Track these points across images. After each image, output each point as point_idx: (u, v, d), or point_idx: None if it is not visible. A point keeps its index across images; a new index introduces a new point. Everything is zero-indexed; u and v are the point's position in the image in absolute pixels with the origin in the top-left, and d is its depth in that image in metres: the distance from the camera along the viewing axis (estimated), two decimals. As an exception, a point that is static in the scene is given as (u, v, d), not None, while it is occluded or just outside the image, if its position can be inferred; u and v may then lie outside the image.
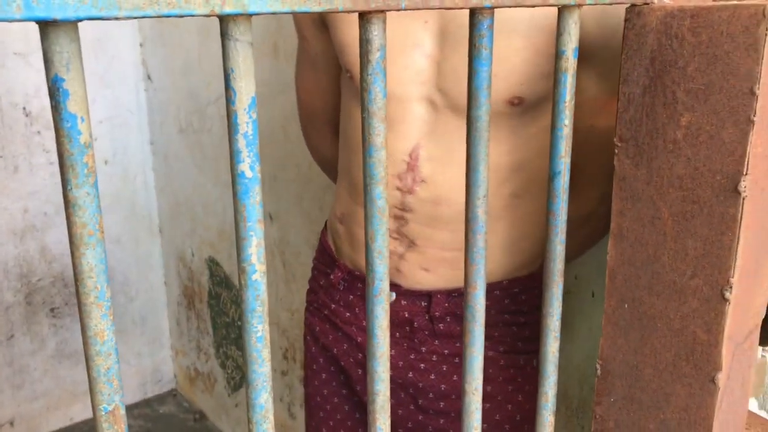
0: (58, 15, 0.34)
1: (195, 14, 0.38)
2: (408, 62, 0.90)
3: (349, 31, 0.92)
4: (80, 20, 0.35)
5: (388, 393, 0.55)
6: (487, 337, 0.95)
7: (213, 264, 2.31)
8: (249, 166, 0.44)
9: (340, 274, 0.99)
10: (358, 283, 0.97)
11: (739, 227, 0.57)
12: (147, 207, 2.55)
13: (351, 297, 0.99)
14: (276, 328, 2.02)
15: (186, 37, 2.16)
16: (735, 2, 0.56)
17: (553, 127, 0.61)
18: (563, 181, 0.62)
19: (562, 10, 0.57)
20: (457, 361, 0.94)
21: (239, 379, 2.29)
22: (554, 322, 0.65)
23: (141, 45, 2.40)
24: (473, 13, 0.52)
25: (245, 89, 0.42)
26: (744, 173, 0.56)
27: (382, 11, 0.47)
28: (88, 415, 2.56)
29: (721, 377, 0.61)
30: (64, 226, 2.36)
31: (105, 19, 0.35)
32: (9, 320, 2.33)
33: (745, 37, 0.54)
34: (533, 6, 0.54)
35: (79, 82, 0.36)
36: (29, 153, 2.26)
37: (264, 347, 0.47)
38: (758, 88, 0.54)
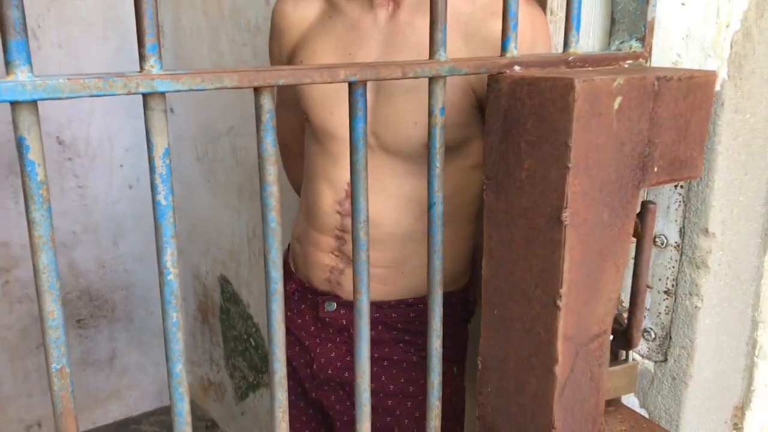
0: (19, 98, 0.52)
1: (117, 94, 0.56)
2: (347, 109, 1.07)
3: (312, 89, 1.10)
4: (35, 101, 0.53)
5: (284, 371, 0.72)
6: (413, 344, 1.11)
7: (224, 281, 2.50)
8: (164, 197, 0.61)
9: (294, 286, 1.16)
10: (308, 294, 1.14)
11: (564, 248, 0.72)
12: (167, 228, 2.76)
13: (303, 306, 1.16)
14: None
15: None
16: (558, 73, 0.72)
17: (429, 168, 0.77)
18: (437, 210, 0.78)
19: (431, 80, 0.74)
20: (386, 364, 1.09)
21: (245, 388, 2.46)
22: (436, 322, 0.81)
23: (165, 80, 2.62)
24: (351, 84, 0.70)
25: (160, 143, 0.60)
26: (564, 206, 0.71)
27: (270, 86, 0.64)
28: (110, 420, 2.75)
29: (558, 369, 0.76)
30: (91, 244, 2.59)
31: (52, 99, 0.53)
32: (39, 331, 2.55)
33: (561, 102, 0.70)
34: (406, 78, 0.71)
35: (36, 140, 0.54)
36: (60, 177, 2.49)
37: (178, 330, 0.64)
38: (571, 142, 0.70)
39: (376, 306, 1.08)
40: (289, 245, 1.27)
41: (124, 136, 2.58)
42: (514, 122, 0.75)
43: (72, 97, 0.54)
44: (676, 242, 0.92)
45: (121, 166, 2.61)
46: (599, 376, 0.83)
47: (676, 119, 0.79)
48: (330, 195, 1.12)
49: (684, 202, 0.90)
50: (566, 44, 0.84)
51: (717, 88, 0.84)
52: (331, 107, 1.10)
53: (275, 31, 1.18)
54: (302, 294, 1.16)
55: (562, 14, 0.99)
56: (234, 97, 2.19)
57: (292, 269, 1.20)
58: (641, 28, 0.88)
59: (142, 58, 0.58)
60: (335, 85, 1.09)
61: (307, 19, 1.13)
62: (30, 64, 0.53)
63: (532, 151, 0.74)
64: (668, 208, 0.92)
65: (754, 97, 0.86)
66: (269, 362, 0.72)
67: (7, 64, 0.53)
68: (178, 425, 0.66)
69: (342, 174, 1.07)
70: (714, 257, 0.89)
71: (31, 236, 0.56)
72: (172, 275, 0.63)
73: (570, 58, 0.81)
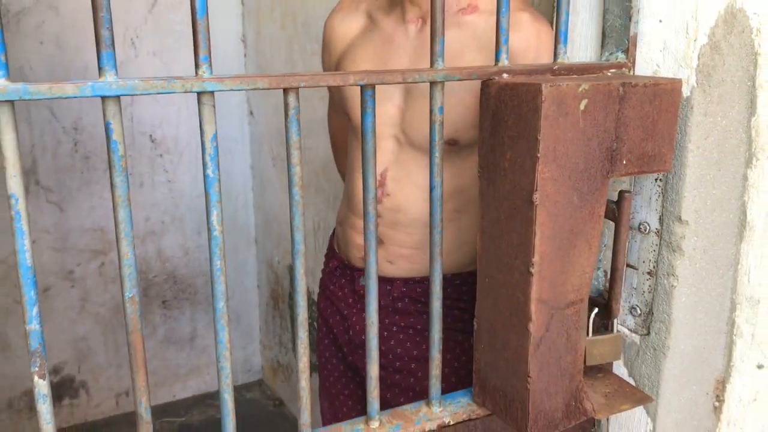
0: (107, 93, 0.72)
1: (176, 92, 0.75)
2: (383, 110, 1.26)
3: (351, 92, 1.28)
4: (118, 96, 0.73)
5: (305, 315, 0.90)
6: (433, 313, 1.27)
7: (292, 271, 2.72)
8: (212, 171, 0.81)
9: (336, 263, 1.35)
10: (347, 270, 1.33)
11: (535, 224, 0.88)
12: (246, 222, 3.01)
13: (343, 281, 1.34)
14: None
15: (279, 80, 2.61)
16: (539, 80, 0.88)
17: (430, 157, 0.94)
18: (437, 193, 0.94)
19: (432, 84, 0.91)
20: (411, 332, 1.26)
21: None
22: (436, 287, 0.97)
23: (246, 86, 2.87)
24: (362, 87, 0.87)
25: (209, 130, 0.79)
26: (535, 190, 0.87)
27: (294, 88, 0.83)
28: (188, 394, 3.02)
29: (533, 327, 0.91)
30: (177, 232, 2.86)
31: (130, 95, 0.73)
32: (129, 308, 2.84)
33: (532, 104, 0.86)
34: (406, 82, 0.88)
35: (118, 124, 0.74)
36: (152, 171, 2.78)
37: (221, 282, 0.83)
38: (540, 136, 0.85)
39: (403, 281, 1.25)
40: (334, 229, 1.46)
41: (208, 136, 2.84)
42: (500, 120, 0.91)
43: (144, 94, 0.74)
44: (656, 228, 1.05)
45: (206, 163, 2.88)
46: (576, 339, 0.98)
47: (643, 120, 0.92)
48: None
49: (662, 193, 1.03)
50: (555, 55, 0.99)
51: (687, 93, 0.97)
52: (368, 108, 1.28)
53: (325, 43, 1.38)
54: (342, 270, 1.34)
55: (567, 29, 1.13)
56: (303, 104, 2.40)
57: (336, 249, 1.39)
58: (625, 42, 1.02)
59: (197, 65, 0.77)
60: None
61: (351, 32, 1.31)
62: (115, 69, 0.73)
63: (512, 144, 0.90)
64: (650, 198, 1.05)
65: (724, 102, 0.99)
66: (294, 308, 0.90)
67: (99, 69, 0.73)
68: (219, 350, 0.85)
69: (377, 165, 1.25)
70: (688, 242, 1.02)
71: (113, 196, 0.76)
72: (217, 231, 0.82)
73: (555, 67, 0.96)
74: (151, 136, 2.74)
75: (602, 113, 0.89)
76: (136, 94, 0.74)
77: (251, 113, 2.88)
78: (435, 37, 0.90)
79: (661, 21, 0.99)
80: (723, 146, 1.01)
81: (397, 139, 1.23)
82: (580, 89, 0.86)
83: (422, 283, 1.27)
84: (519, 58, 1.14)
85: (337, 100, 1.42)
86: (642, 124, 0.93)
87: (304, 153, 2.49)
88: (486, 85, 0.93)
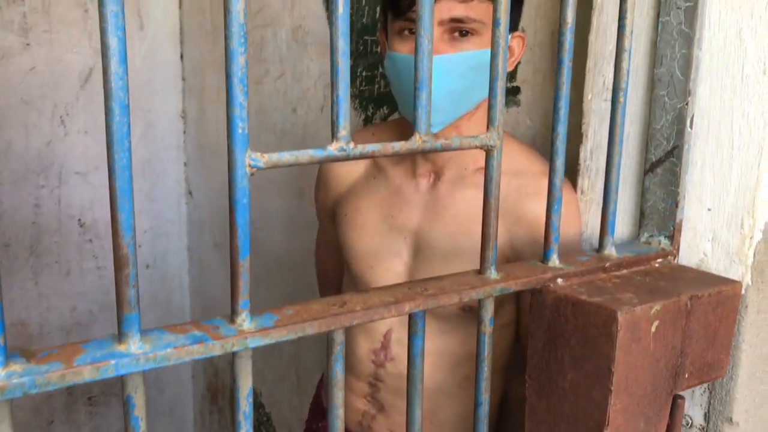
0: (133, 370, 0.58)
1: (216, 355, 0.61)
2: (390, 266, 1.14)
3: (355, 242, 1.16)
4: (144, 372, 0.58)
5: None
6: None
7: (233, 368, 2.54)
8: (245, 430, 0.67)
9: (326, 424, 1.21)
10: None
11: (603, 461, 0.78)
12: (180, 306, 2.81)
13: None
14: (288, 434, 2.23)
15: (223, 165, 2.44)
16: (599, 291, 0.78)
17: (477, 372, 0.83)
18: (483, 410, 0.83)
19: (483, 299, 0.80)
20: None
21: (254, 474, 2.48)
22: None
23: (185, 164, 2.69)
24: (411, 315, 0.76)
25: (244, 387, 0.66)
26: (606, 424, 0.77)
27: (343, 327, 0.70)
28: (114, 497, 2.76)
29: None
30: (107, 322, 2.63)
31: (160, 367, 0.59)
32: (51, 407, 2.57)
33: (604, 329, 0.76)
34: (462, 303, 0.77)
35: (141, 398, 0.60)
36: (80, 258, 2.54)
37: None
38: (614, 367, 0.76)
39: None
40: (321, 378, 1.32)
41: (142, 218, 2.64)
42: (558, 335, 0.81)
43: (178, 363, 0.60)
44: (701, 425, 0.97)
45: (140, 246, 2.67)
46: None
47: (706, 329, 0.85)
48: (366, 343, 1.17)
49: (709, 389, 0.96)
50: (601, 246, 0.91)
51: (741, 292, 0.91)
52: (371, 261, 1.16)
53: (321, 180, 1.26)
54: None
55: (593, 195, 1.06)
56: (253, 191, 2.26)
57: (324, 407, 1.25)
58: (670, 227, 0.94)
59: (234, 312, 0.64)
60: (376, 239, 1.17)
61: (352, 175, 1.20)
62: (140, 333, 0.59)
63: (575, 365, 0.80)
64: (693, 392, 0.97)
65: (775, 296, 0.93)
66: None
67: (121, 335, 0.59)
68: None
69: (379, 325, 1.13)
70: (736, 442, 0.95)
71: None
72: None
73: (606, 264, 0.88)
74: (79, 220, 2.51)
75: (671, 331, 0.81)
76: (167, 365, 0.59)
77: (190, 193, 2.69)
78: (488, 241, 0.80)
79: (709, 210, 0.93)
80: (771, 340, 0.95)
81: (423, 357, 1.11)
82: (653, 311, 0.78)
83: (429, 458, 1.15)
84: (542, 226, 1.05)
85: (332, 237, 1.29)
86: (705, 334, 0.85)
87: (254, 246, 2.33)
88: (540, 291, 0.83)
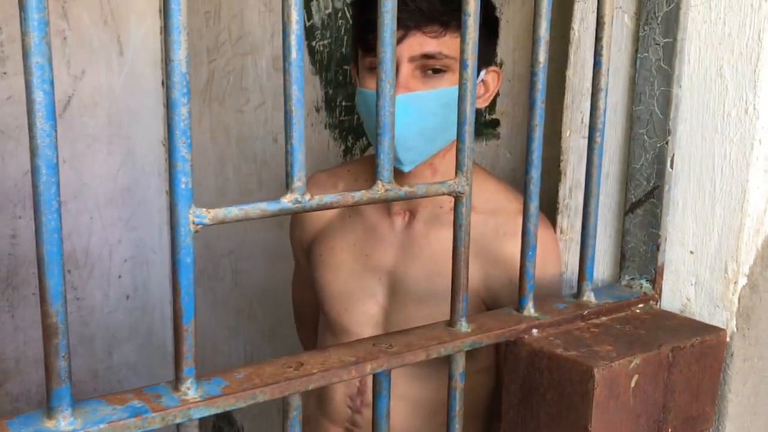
0: (62, 449, 0.53)
1: (153, 428, 0.57)
2: (365, 309, 1.10)
3: (330, 283, 1.12)
4: (77, 449, 0.54)
5: None
6: None
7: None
8: None
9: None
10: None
11: None
12: (162, 337, 2.74)
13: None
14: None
15: (205, 192, 2.40)
16: (576, 354, 0.74)
17: (448, 429, 0.78)
18: (455, 470, 0.78)
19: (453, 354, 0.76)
20: None
21: None
22: None
23: (166, 192, 2.65)
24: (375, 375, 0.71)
25: None
26: (583, 487, 0.73)
27: (298, 392, 0.65)
28: None
29: None
30: (86, 355, 2.56)
31: (93, 443, 0.54)
32: (27, 443, 2.50)
33: (580, 387, 0.72)
34: (430, 358, 0.72)
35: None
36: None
37: None
38: (591, 426, 0.71)
39: None
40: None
41: (122, 247, 2.59)
42: (533, 390, 0.77)
43: (112, 438, 0.55)
44: (686, 477, 0.93)
45: (120, 276, 2.61)
46: None
47: (689, 381, 0.81)
48: (342, 387, 1.12)
49: (694, 440, 0.91)
50: (579, 291, 0.87)
51: (726, 340, 0.86)
52: (346, 303, 1.12)
53: (296, 218, 1.21)
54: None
55: (572, 234, 1.02)
56: (233, 226, 2.21)
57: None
58: (651, 270, 0.90)
59: (178, 379, 0.59)
60: (350, 280, 1.12)
61: (327, 213, 1.15)
62: (72, 407, 0.54)
63: (551, 423, 0.75)
64: (678, 442, 0.93)
65: (761, 342, 0.89)
66: None
67: (50, 409, 0.54)
68: None
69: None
70: (724, 496, 0.90)
71: None
72: None
73: (584, 312, 0.84)
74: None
75: (652, 385, 0.77)
76: (102, 442, 0.54)
77: (171, 221, 2.65)
78: (457, 293, 0.76)
79: (692, 253, 0.89)
80: (758, 388, 0.91)
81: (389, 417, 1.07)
82: (633, 365, 0.74)
83: None
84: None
85: (306, 275, 1.24)
86: (688, 387, 0.81)
87: (234, 276, 2.29)
88: (514, 343, 0.79)
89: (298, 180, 0.62)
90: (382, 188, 0.67)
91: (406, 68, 0.95)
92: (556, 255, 1.02)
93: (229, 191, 2.24)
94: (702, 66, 0.85)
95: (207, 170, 2.34)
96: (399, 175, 0.98)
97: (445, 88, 0.97)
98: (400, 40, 0.94)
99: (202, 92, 2.31)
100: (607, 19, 0.80)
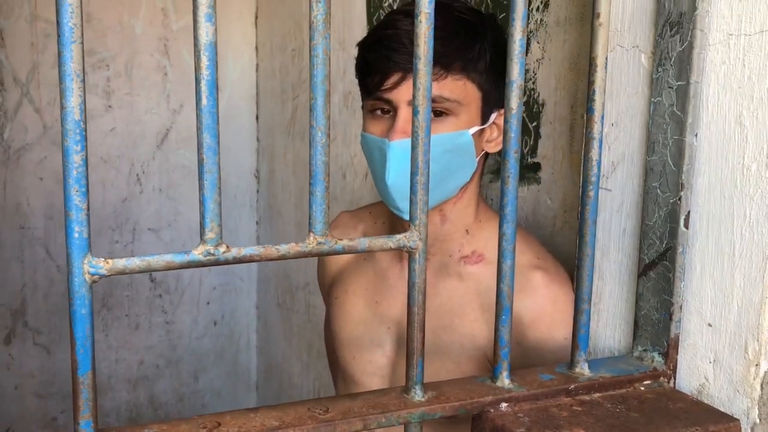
0: None
1: None
2: (372, 358, 1.05)
3: (341, 328, 1.09)
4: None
5: None
6: None
7: None
8: None
9: None
10: None
11: None
12: (247, 365, 2.80)
13: None
14: None
15: (286, 224, 2.44)
16: (546, 417, 0.65)
17: None
18: None
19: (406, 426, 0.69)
20: None
21: None
22: None
23: (257, 223, 2.71)
24: None
25: None
26: None
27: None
28: None
29: None
30: (173, 377, 2.66)
31: None
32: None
33: (534, 475, 0.63)
34: (368, 430, 0.67)
35: None
36: (150, 313, 2.60)
37: None
38: None
39: None
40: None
41: (212, 275, 2.67)
42: (493, 473, 0.69)
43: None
44: None
45: (208, 303, 2.70)
46: None
47: (687, 478, 0.69)
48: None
49: None
50: (572, 362, 0.78)
51: (746, 430, 0.74)
52: (354, 351, 1.08)
53: (320, 259, 1.20)
54: None
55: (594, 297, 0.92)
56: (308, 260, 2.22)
57: None
58: (664, 343, 0.79)
59: (75, 433, 0.57)
60: (359, 327, 1.08)
61: (345, 255, 1.12)
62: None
63: None
64: None
65: (795, 437, 0.75)
66: None
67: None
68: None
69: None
70: None
71: None
72: None
73: (571, 387, 0.74)
74: (151, 275, 2.57)
75: (631, 480, 0.66)
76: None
77: (258, 239, 2.71)
78: (412, 356, 0.69)
79: (710, 325, 0.77)
80: (793, 491, 0.76)
81: None
82: (601, 456, 0.64)
83: None
84: (529, 329, 0.93)
85: (328, 322, 1.22)
86: (685, 485, 0.69)
87: (308, 310, 2.29)
88: (480, 419, 0.71)
89: (210, 231, 0.59)
90: (313, 241, 0.63)
91: (404, 113, 0.91)
92: (568, 314, 0.92)
93: (306, 225, 2.26)
94: (720, 113, 0.74)
95: (289, 203, 2.38)
96: (406, 223, 0.93)
97: (447, 133, 0.91)
98: (397, 84, 0.90)
99: (287, 127, 2.36)
100: (599, 61, 0.72)
